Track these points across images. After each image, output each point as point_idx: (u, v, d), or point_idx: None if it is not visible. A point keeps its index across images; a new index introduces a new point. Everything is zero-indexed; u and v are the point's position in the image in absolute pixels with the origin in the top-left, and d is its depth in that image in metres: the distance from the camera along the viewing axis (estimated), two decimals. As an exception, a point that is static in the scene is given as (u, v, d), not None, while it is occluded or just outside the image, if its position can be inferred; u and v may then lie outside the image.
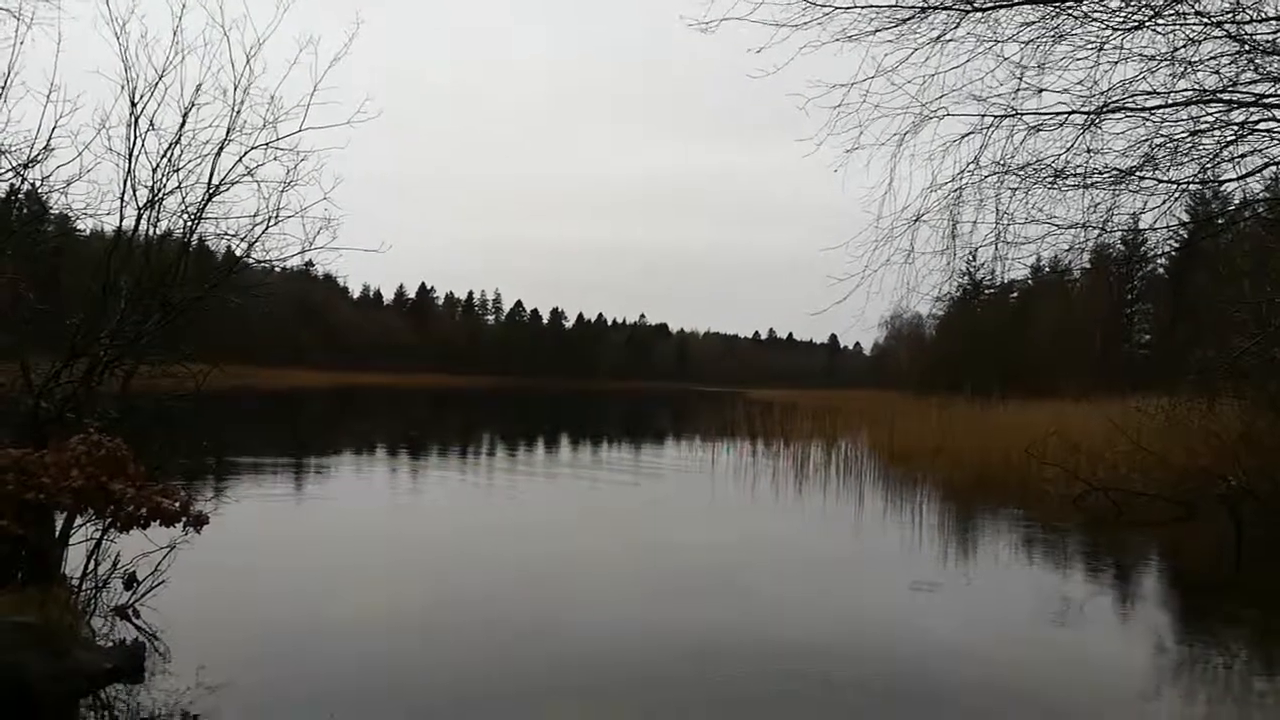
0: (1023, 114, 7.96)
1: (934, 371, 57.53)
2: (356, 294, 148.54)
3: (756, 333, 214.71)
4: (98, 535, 7.11)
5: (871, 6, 6.06)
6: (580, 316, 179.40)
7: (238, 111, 8.09)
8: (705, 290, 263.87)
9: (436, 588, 10.00)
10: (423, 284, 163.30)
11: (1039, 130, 7.95)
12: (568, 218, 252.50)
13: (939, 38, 6.45)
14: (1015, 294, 62.78)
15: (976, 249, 8.10)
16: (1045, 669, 7.91)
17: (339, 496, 16.87)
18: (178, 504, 6.93)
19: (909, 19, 6.16)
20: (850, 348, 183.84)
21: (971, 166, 8.19)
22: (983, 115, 8.02)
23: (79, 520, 7.05)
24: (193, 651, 6.96)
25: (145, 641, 6.83)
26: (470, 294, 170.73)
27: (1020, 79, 7.70)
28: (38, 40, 7.62)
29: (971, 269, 59.61)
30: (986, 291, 66.45)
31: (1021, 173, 7.63)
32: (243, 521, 12.11)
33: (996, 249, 8.03)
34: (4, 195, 7.76)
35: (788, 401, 42.76)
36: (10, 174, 7.56)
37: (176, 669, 6.65)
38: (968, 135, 8.17)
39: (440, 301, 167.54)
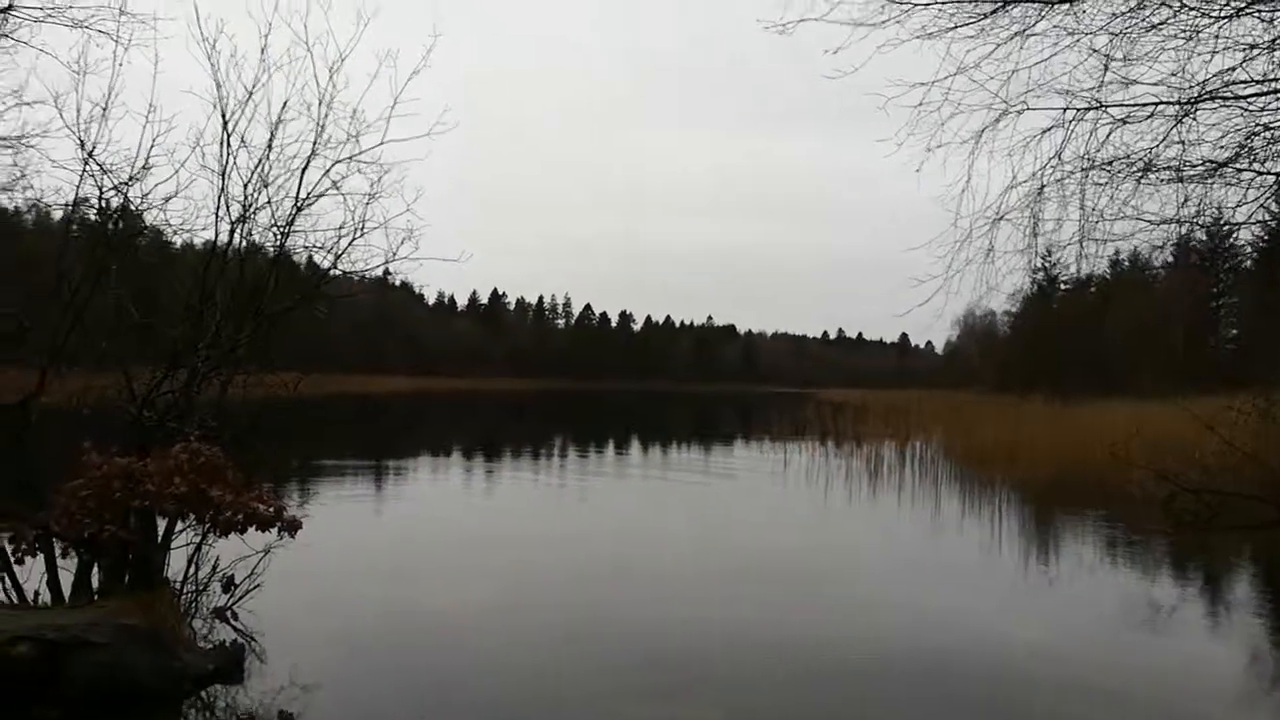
0: (1108, 106, 7.76)
1: (1009, 370, 56.19)
2: (432, 300, 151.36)
3: (825, 333, 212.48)
4: (197, 540, 7.37)
5: (952, 2, 5.97)
6: (649, 319, 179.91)
7: (322, 126, 8.33)
8: (773, 291, 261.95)
9: (519, 587, 10.16)
10: (495, 289, 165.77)
11: (1126, 123, 7.73)
12: (637, 219, 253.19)
13: (1021, 31, 6.33)
14: (1093, 289, 60.97)
15: (1064, 246, 7.90)
16: (1133, 677, 7.68)
17: (421, 498, 17.23)
18: (272, 509, 7.15)
19: (992, 13, 6.05)
20: (921, 346, 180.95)
21: (1054, 162, 8.01)
22: (1065, 109, 7.83)
23: (179, 526, 7.31)
24: (287, 652, 7.19)
25: (243, 643, 7.07)
26: (540, 298, 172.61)
27: (1105, 71, 7.50)
28: (135, 61, 7.95)
29: (1047, 264, 58.19)
30: (1063, 287, 64.68)
31: (1109, 167, 7.43)
32: (332, 523, 12.47)
33: (1081, 246, 7.83)
34: (106, 212, 8.11)
35: (858, 402, 42.24)
36: (112, 192, 7.90)
37: (273, 669, 6.88)
38: (1049, 130, 7.98)
39: (512, 306, 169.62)
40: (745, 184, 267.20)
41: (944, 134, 7.79)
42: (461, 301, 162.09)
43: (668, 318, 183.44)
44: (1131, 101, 7.67)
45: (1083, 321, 54.64)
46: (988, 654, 8.16)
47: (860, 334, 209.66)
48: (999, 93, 7.65)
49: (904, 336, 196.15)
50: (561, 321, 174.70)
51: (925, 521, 16.09)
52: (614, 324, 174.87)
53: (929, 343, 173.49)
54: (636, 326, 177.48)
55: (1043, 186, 7.91)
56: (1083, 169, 7.43)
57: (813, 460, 25.59)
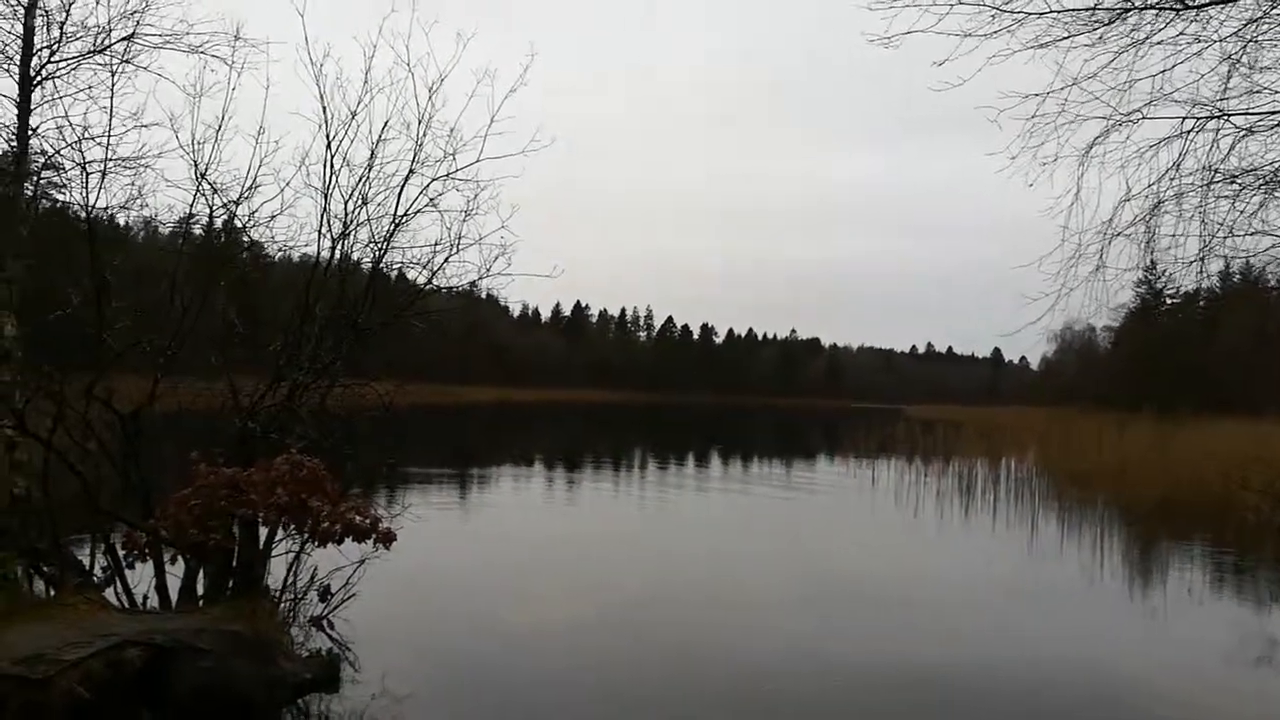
0: (1231, 115, 7.34)
1: (1110, 387, 54.02)
2: (516, 313, 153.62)
3: (914, 346, 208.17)
4: (296, 549, 7.52)
5: (1068, 10, 5.72)
6: (730, 332, 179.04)
7: (420, 145, 8.48)
8: (860, 304, 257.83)
9: (607, 604, 10.14)
10: (578, 302, 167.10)
11: (1252, 133, 7.30)
12: (719, 232, 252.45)
13: (1142, 40, 6.03)
14: (1201, 303, 58.27)
15: (1186, 262, 7.48)
16: (1243, 714, 7.25)
17: (509, 509, 17.42)
18: (368, 521, 7.26)
19: (1111, 21, 5.78)
20: (1015, 362, 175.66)
21: (1171, 174, 7.61)
22: (1184, 119, 7.44)
23: (279, 535, 7.48)
24: (381, 662, 7.28)
25: (339, 652, 7.18)
26: (623, 310, 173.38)
27: (1229, 79, 7.10)
28: (246, 85, 8.22)
29: (1151, 278, 55.88)
30: (1168, 301, 62.04)
31: (1236, 179, 7.01)
32: (423, 534, 12.55)
33: (1203, 262, 7.41)
34: (217, 230, 8.40)
35: (951, 419, 41.16)
36: (221, 210, 8.17)
37: (366, 679, 6.97)
38: (1167, 140, 7.59)
39: (594, 319, 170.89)
40: (836, 198, 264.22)
41: (1054, 146, 7.49)
42: (545, 314, 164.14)
43: (750, 330, 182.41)
44: (1259, 110, 7.24)
45: (1191, 337, 52.25)
46: (1088, 688, 7.79)
47: (950, 348, 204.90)
48: (1113, 103, 7.33)
49: (997, 351, 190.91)
50: (643, 334, 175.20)
51: (1019, 545, 15.50)
52: (695, 336, 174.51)
53: (1023, 358, 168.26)
54: (719, 339, 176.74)
55: (1160, 200, 7.52)
56: (1205, 182, 7.04)
57: (902, 479, 25.01)
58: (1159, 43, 6.11)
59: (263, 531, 7.34)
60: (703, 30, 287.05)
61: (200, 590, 7.25)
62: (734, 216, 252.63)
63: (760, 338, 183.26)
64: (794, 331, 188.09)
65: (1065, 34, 6.03)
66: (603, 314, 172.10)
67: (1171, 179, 7.58)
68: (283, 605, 7.45)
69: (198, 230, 8.70)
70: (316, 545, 7.33)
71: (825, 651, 8.60)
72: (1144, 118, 7.51)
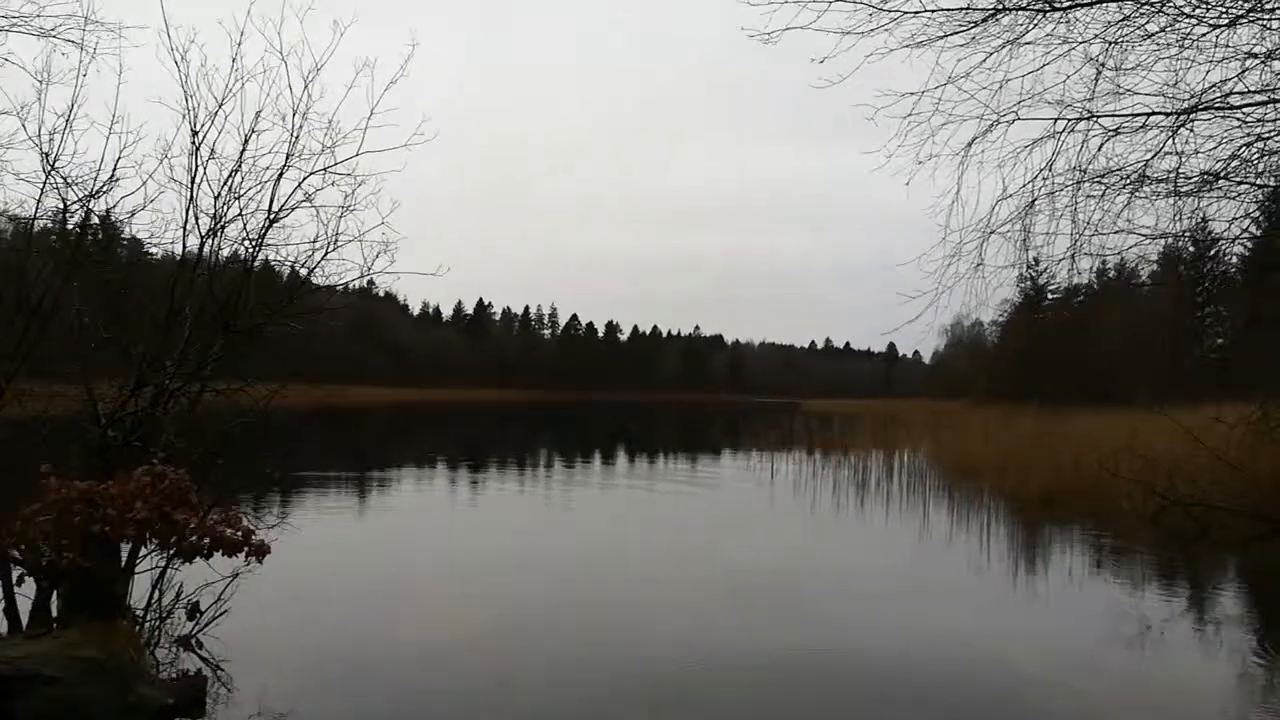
0: (1099, 117, 7.63)
1: (996, 380, 56.21)
2: (416, 310, 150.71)
3: (813, 342, 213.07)
4: (162, 565, 7.09)
5: (942, 10, 5.81)
6: (635, 329, 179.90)
7: (296, 137, 8.09)
8: (761, 300, 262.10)
9: (498, 611, 9.87)
10: (480, 299, 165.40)
11: (1118, 134, 7.61)
12: (624, 229, 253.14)
13: (1013, 40, 6.17)
14: (1080, 298, 61.12)
15: (1056, 260, 7.73)
16: (1121, 696, 7.55)
17: (400, 515, 16.91)
18: (240, 533, 6.89)
19: (983, 21, 5.88)
20: (909, 355, 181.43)
21: (1045, 174, 7.88)
22: (1056, 119, 7.70)
23: (143, 551, 7.03)
24: (255, 681, 6.90)
25: (207, 673, 6.79)
26: (526, 308, 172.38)
27: (1097, 80, 7.37)
28: (101, 71, 7.69)
29: (1034, 274, 58.26)
30: (1050, 296, 64.83)
31: (1102, 180, 7.28)
32: (305, 543, 12.11)
33: (1074, 260, 7.68)
34: (71, 226, 7.85)
35: (847, 412, 42.13)
36: (77, 205, 7.64)
37: (238, 700, 6.59)
38: (1040, 140, 7.86)
39: (497, 317, 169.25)
40: (735, 195, 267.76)
41: (934, 145, 7.66)
42: (446, 311, 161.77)
43: (654, 328, 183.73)
44: (1125, 112, 7.54)
45: (1071, 331, 54.76)
46: (967, 672, 7.99)
47: (848, 343, 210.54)
48: (989, 103, 7.51)
49: (891, 346, 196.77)
50: (548, 332, 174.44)
51: (913, 535, 15.90)
52: (600, 334, 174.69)
53: (916, 352, 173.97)
54: (623, 336, 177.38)
55: (1034, 199, 7.79)
56: (1075, 181, 7.28)
57: (800, 471, 25.42)
58: (1029, 43, 6.28)
59: (124, 549, 6.88)
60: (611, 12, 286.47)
61: (55, 612, 6.76)
62: (637, 213, 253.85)
63: (665, 334, 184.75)
64: (698, 328, 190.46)
65: (941, 33, 6.12)
66: (506, 311, 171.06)
67: (1045, 178, 7.86)
68: (146, 625, 7.02)
69: (50, 225, 8.11)
70: (184, 561, 6.92)
71: (722, 649, 8.57)
72: (1018, 118, 7.75)
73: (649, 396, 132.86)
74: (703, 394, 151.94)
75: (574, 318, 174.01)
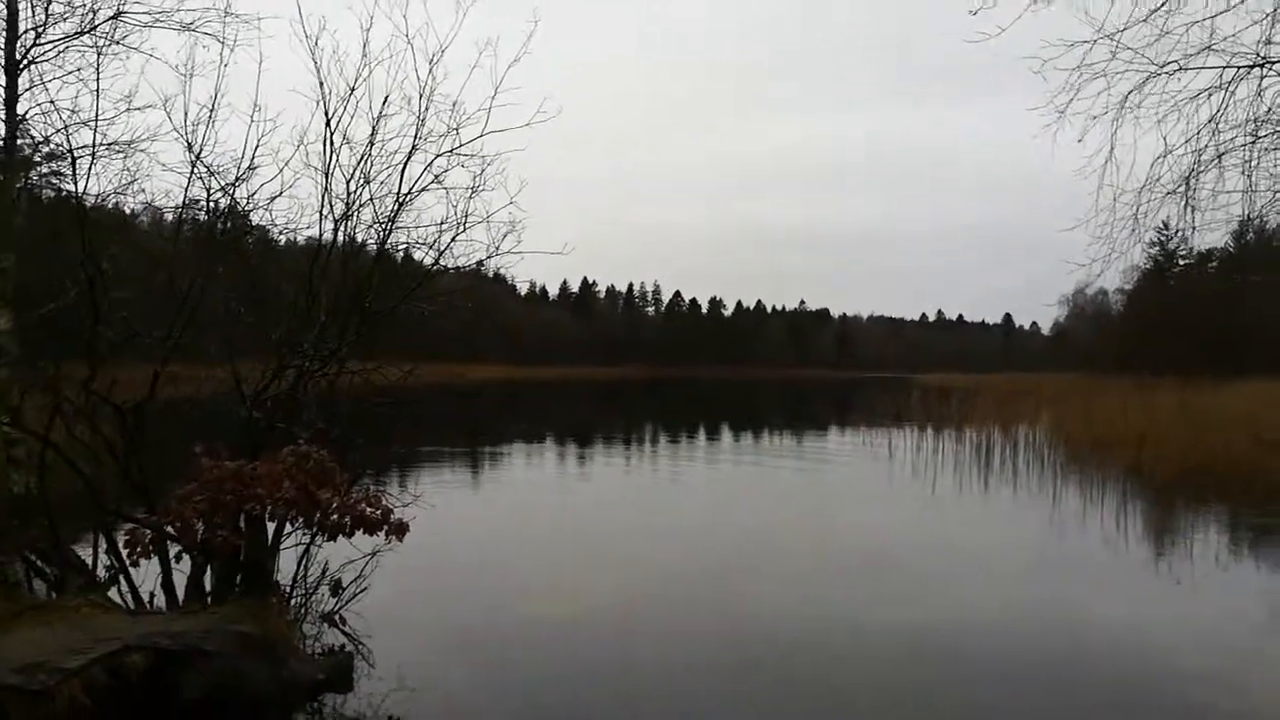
0: (1275, 63, 6.97)
1: (1126, 350, 53.43)
2: (524, 290, 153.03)
3: (924, 314, 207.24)
4: (305, 543, 7.27)
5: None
6: (739, 304, 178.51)
7: (422, 120, 8.11)
8: (869, 273, 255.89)
9: (625, 586, 9.92)
10: (585, 278, 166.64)
11: (1294, 82, 6.93)
12: (725, 203, 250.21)
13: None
14: (1214, 264, 57.59)
15: (1241, 219, 7.12)
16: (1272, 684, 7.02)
17: (522, 490, 17.18)
18: (379, 512, 7.00)
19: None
20: (1026, 327, 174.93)
21: (1211, 127, 7.25)
22: (1224, 68, 7.08)
23: (288, 529, 7.22)
24: (395, 657, 7.04)
25: (352, 649, 6.95)
26: (630, 286, 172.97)
27: (1272, 24, 6.73)
28: (240, 62, 7.88)
29: (1164, 238, 55.15)
30: (1181, 262, 61.35)
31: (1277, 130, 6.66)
32: (437, 519, 12.31)
33: (1248, 218, 7.05)
34: (214, 214, 8.09)
35: (963, 387, 40.78)
36: (220, 193, 7.86)
37: (381, 675, 6.73)
38: (1206, 92, 7.23)
39: (602, 295, 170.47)
40: (845, 161, 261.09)
41: (1080, 102, 7.15)
42: (553, 291, 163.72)
43: (759, 303, 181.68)
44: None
45: (1205, 298, 51.53)
46: (1112, 660, 7.57)
47: (961, 315, 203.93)
48: (1147, 54, 6.97)
49: (1007, 317, 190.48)
50: (651, 309, 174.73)
51: (1043, 515, 15.19)
52: (704, 310, 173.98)
53: (1034, 324, 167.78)
54: (727, 312, 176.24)
55: (1200, 153, 7.17)
56: (1251, 135, 6.68)
57: (918, 448, 24.72)
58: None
59: (270, 526, 7.08)
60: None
61: (208, 588, 7.01)
62: (739, 185, 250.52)
63: (769, 309, 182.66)
64: (803, 302, 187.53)
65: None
66: (610, 290, 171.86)
67: (1213, 133, 7.23)
68: (293, 602, 7.22)
69: (196, 214, 8.38)
70: (326, 539, 7.08)
71: (850, 626, 8.44)
72: (1180, 68, 7.16)
73: (755, 373, 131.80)
74: (809, 369, 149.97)
75: (677, 294, 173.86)
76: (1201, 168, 6.85)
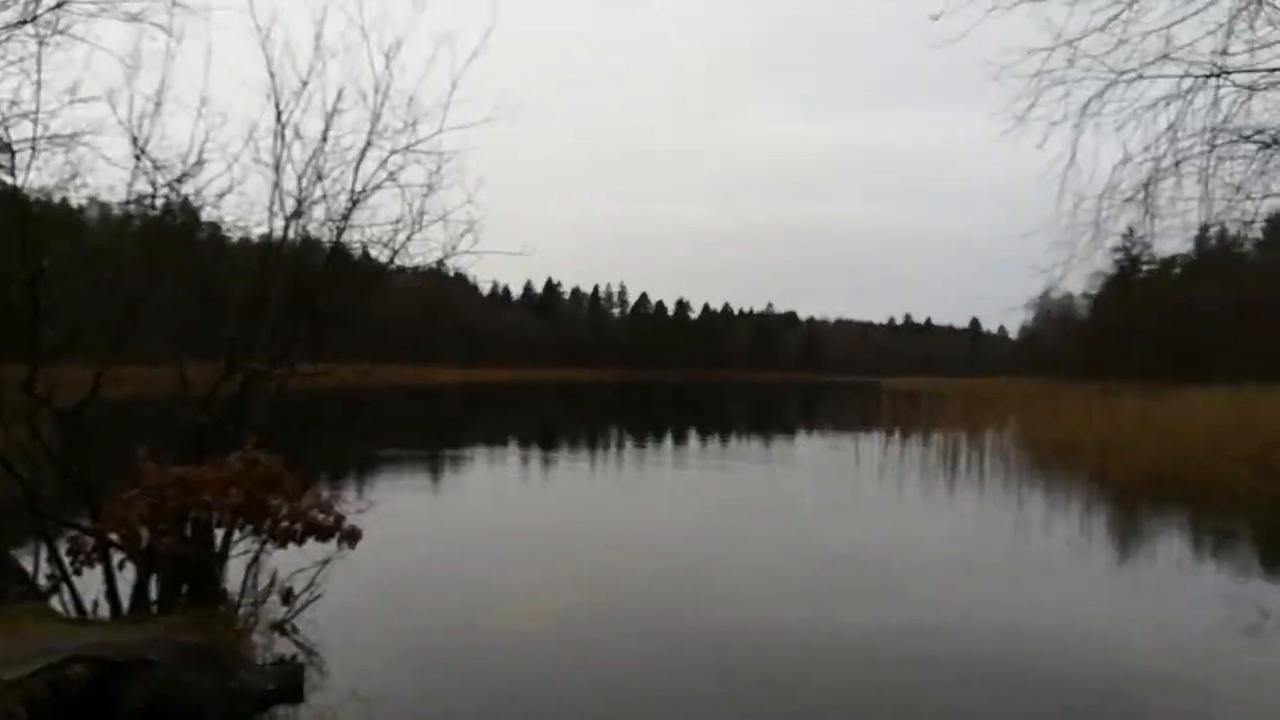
0: (1231, 73, 6.99)
1: (1090, 356, 54.10)
2: (486, 290, 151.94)
3: (892, 318, 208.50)
4: (255, 550, 7.06)
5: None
6: (706, 307, 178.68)
7: (378, 115, 7.98)
8: (835, 276, 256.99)
9: (586, 593, 9.76)
10: (549, 279, 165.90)
11: (1254, 91, 6.95)
12: (691, 203, 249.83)
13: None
14: (1178, 269, 58.57)
15: (1198, 227, 7.13)
16: (1240, 691, 7.08)
17: (481, 495, 16.96)
18: (331, 519, 6.83)
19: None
20: (993, 331, 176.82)
21: (1169, 135, 7.27)
22: (1182, 77, 7.09)
23: (236, 535, 7.02)
24: (349, 667, 6.84)
25: (303, 659, 6.75)
26: (596, 287, 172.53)
27: (1229, 36, 6.75)
28: (188, 55, 7.66)
29: (1127, 244, 55.96)
30: (1144, 269, 62.34)
31: (1239, 140, 6.68)
32: (390, 524, 12.14)
33: (1205, 227, 7.07)
34: (160, 210, 7.85)
35: (931, 391, 41.09)
36: (165, 189, 7.63)
37: (334, 685, 6.53)
38: (1164, 100, 7.24)
39: (567, 296, 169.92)
40: (805, 166, 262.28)
41: (1040, 108, 7.14)
42: (516, 291, 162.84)
43: (726, 305, 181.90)
44: (1259, 67, 6.89)
45: (1169, 304, 52.27)
46: (1076, 663, 7.57)
47: (929, 319, 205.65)
48: (1104, 60, 6.97)
49: (975, 322, 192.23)
50: (617, 310, 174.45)
51: (1009, 519, 15.27)
52: (670, 312, 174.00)
53: (1001, 327, 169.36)
54: (694, 314, 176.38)
55: (1158, 161, 7.17)
56: (1208, 144, 6.69)
57: (885, 452, 24.81)
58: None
59: (218, 533, 6.88)
60: None
61: (153, 596, 6.79)
62: (707, 185, 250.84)
63: (736, 312, 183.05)
64: (770, 305, 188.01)
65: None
66: (575, 291, 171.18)
67: (1171, 140, 7.24)
68: (242, 610, 7.00)
69: (142, 210, 8.13)
70: (277, 545, 6.88)
71: (811, 632, 8.33)
72: (1139, 76, 7.16)
73: (722, 375, 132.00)
74: (777, 372, 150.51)
75: (643, 296, 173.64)
76: (1160, 175, 6.86)
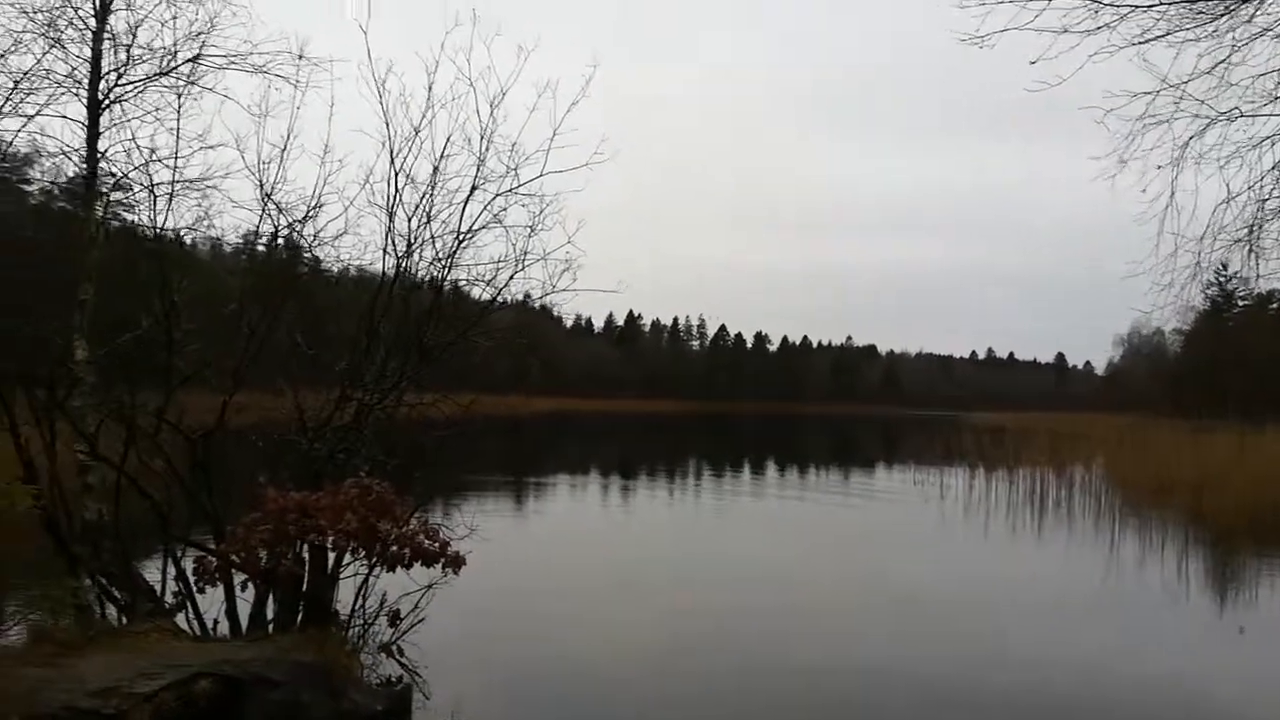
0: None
1: (1183, 392, 52.18)
2: (569, 323, 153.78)
3: (974, 352, 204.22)
4: (364, 574, 7.38)
5: (1180, 2, 5.34)
6: (785, 339, 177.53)
7: (483, 160, 8.33)
8: (917, 309, 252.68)
9: (682, 622, 9.96)
10: (630, 311, 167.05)
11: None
12: (775, 238, 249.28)
13: (1259, 34, 5.63)
14: (1275, 305, 56.20)
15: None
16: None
17: (577, 525, 17.33)
18: (437, 545, 7.11)
19: (1226, 13, 5.39)
20: (1079, 367, 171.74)
21: (1275, 174, 7.17)
22: (1289, 115, 7.00)
23: (346, 559, 7.34)
24: (452, 690, 7.11)
25: (409, 681, 7.02)
26: (675, 320, 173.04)
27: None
28: (311, 104, 8.15)
29: (1221, 279, 54.00)
30: (1240, 302, 59.98)
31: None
32: (492, 554, 12.42)
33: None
34: (281, 249, 8.35)
35: (1014, 426, 40.13)
36: (286, 230, 8.11)
37: (438, 707, 6.81)
38: (1270, 139, 7.16)
39: (647, 328, 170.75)
40: (890, 201, 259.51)
41: (1139, 145, 7.11)
42: (598, 324, 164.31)
43: (805, 338, 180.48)
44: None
45: (1268, 340, 50.21)
46: (1173, 709, 7.38)
47: (1012, 354, 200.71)
48: (1206, 98, 6.93)
49: (1060, 356, 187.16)
50: (696, 343, 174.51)
51: (1100, 561, 14.86)
52: (749, 345, 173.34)
53: (1088, 363, 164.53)
54: (773, 347, 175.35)
55: (1263, 202, 7.08)
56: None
57: (970, 488, 24.35)
58: (1271, 34, 5.71)
59: (331, 556, 7.22)
60: (738, 31, 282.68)
61: (269, 616, 7.16)
62: (787, 221, 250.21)
63: (815, 345, 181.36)
64: (849, 338, 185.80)
65: (1163, 30, 5.66)
66: (655, 324, 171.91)
67: (1276, 180, 7.14)
68: (351, 632, 7.32)
69: (264, 250, 8.66)
70: (385, 570, 7.19)
71: (897, 669, 8.34)
72: (1240, 114, 7.09)
73: (800, 409, 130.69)
74: (855, 405, 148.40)
75: (722, 329, 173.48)
76: (1266, 215, 6.76)
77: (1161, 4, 5.33)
